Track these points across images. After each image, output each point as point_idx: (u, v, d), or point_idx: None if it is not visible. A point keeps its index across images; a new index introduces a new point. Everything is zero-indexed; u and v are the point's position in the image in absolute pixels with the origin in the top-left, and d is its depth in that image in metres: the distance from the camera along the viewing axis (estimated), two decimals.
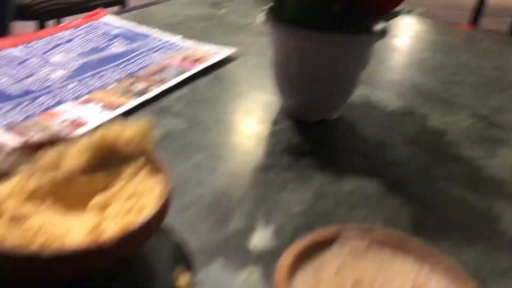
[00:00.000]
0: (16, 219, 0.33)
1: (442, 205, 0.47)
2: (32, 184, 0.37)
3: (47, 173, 0.38)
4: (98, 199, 0.38)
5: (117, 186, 0.39)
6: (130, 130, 0.39)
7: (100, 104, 0.58)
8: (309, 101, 0.58)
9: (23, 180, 0.37)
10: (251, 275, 0.36)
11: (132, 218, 0.34)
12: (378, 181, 0.49)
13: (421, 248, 0.25)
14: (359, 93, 0.69)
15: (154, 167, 0.39)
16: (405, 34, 1.03)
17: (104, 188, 0.39)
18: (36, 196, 0.37)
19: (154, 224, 0.33)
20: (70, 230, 0.34)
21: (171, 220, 0.41)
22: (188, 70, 0.70)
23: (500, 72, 0.84)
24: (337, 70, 0.54)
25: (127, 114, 0.58)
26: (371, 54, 0.56)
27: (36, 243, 0.32)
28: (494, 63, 0.88)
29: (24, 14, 1.87)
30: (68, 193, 0.38)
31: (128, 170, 0.39)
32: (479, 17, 2.51)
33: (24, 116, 0.54)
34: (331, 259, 0.24)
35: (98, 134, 0.39)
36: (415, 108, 0.67)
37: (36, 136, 0.51)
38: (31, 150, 0.39)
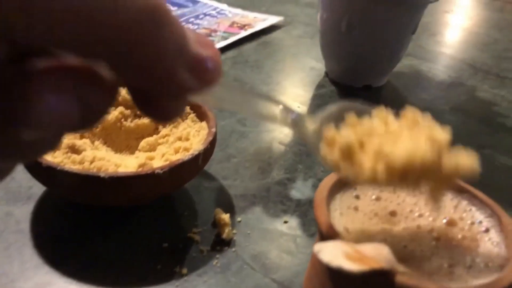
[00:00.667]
0: (73, 150, 0.35)
1: (486, 172, 0.46)
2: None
3: None
4: (146, 141, 0.39)
5: (164, 131, 0.40)
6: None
7: None
8: (355, 65, 0.58)
9: None
10: (290, 221, 0.37)
11: (179, 157, 0.36)
12: None
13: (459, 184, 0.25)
14: (408, 63, 0.68)
15: (200, 114, 0.40)
16: (459, 10, 1.00)
17: (152, 132, 0.41)
18: (89, 134, 0.39)
19: (201, 162, 0.34)
20: (122, 164, 0.35)
21: (215, 168, 0.42)
22: (235, 35, 0.71)
23: None
24: (386, 33, 0.54)
25: None
26: (420, 18, 0.55)
27: (92, 169, 0.34)
28: None
29: None
30: (117, 136, 0.40)
31: None
32: None
33: None
34: (372, 188, 0.24)
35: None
36: (464, 80, 0.65)
37: None
38: None
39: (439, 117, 0.58)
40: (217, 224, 0.35)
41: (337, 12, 0.54)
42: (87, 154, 0.34)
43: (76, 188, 0.31)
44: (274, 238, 0.35)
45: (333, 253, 0.18)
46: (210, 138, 0.35)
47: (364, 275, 0.17)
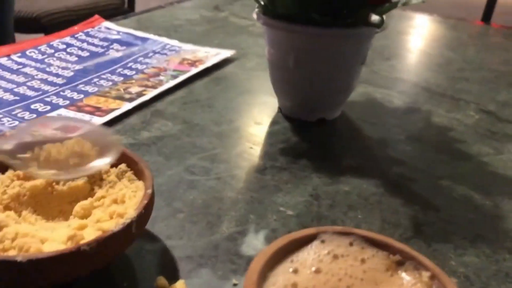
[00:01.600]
0: None
1: (445, 205, 0.44)
2: (11, 192, 0.36)
3: (27, 181, 0.37)
4: (81, 205, 0.36)
5: (100, 192, 0.37)
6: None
7: (93, 110, 0.57)
8: (307, 100, 0.56)
9: (1, 187, 0.36)
10: (240, 282, 0.34)
11: (113, 224, 0.33)
12: (378, 181, 0.47)
13: (404, 250, 0.22)
14: (361, 91, 0.67)
15: (136, 171, 0.37)
16: (412, 30, 1.00)
17: (87, 195, 0.38)
18: (15, 204, 0.36)
19: (134, 229, 0.31)
20: (49, 238, 0.32)
21: (159, 226, 0.39)
22: (185, 72, 0.68)
23: (509, 67, 0.81)
24: (334, 65, 0.53)
25: (119, 118, 0.56)
26: (368, 47, 0.54)
27: (12, 250, 0.30)
28: (503, 58, 0.85)
29: (33, 26, 1.88)
30: (48, 202, 0.37)
31: (111, 176, 0.38)
32: (491, 15, 2.46)
33: (16, 123, 0.54)
34: (310, 257, 0.22)
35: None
36: (420, 105, 0.65)
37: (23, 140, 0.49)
38: (13, 155, 0.38)
39: (396, 148, 0.57)
40: None
41: (283, 48, 0.53)
42: (8, 231, 0.31)
43: None
44: None
45: None
46: (145, 202, 0.32)
47: None
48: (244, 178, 0.47)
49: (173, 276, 0.34)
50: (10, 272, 0.28)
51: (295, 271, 0.22)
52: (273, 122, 0.58)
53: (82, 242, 0.30)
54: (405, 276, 0.22)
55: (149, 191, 0.33)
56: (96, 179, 0.39)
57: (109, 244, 0.29)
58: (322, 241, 0.23)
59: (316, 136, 0.56)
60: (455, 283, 0.21)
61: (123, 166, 0.38)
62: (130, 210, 0.33)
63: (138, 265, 0.35)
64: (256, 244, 0.38)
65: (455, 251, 0.39)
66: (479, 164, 0.51)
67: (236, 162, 0.50)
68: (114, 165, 0.39)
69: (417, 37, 0.97)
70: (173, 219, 0.40)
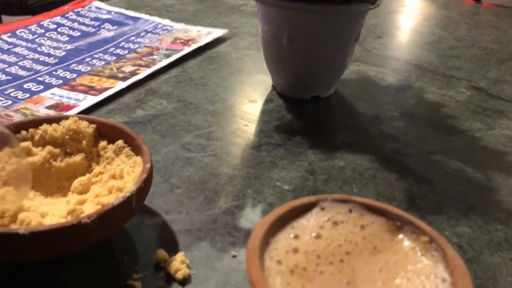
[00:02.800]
0: None
1: (438, 178, 0.45)
2: (10, 168, 0.36)
3: (26, 158, 0.37)
4: (79, 181, 0.37)
5: (97, 168, 0.38)
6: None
7: (87, 89, 0.57)
8: (300, 78, 0.57)
9: (1, 164, 0.36)
10: (239, 254, 0.35)
11: (112, 199, 0.33)
12: (373, 156, 0.48)
13: (402, 215, 0.23)
14: (355, 69, 0.68)
15: (134, 147, 0.37)
16: (404, 9, 1.01)
17: (84, 171, 0.38)
18: (12, 181, 0.35)
19: (134, 203, 0.32)
20: (49, 213, 0.32)
21: (157, 201, 0.40)
22: (178, 51, 0.68)
23: (499, 45, 0.81)
24: (328, 43, 0.53)
25: (113, 97, 0.56)
26: (362, 24, 0.54)
27: (13, 225, 0.31)
28: (493, 36, 0.86)
29: (20, 8, 1.85)
30: (47, 178, 0.37)
31: (108, 152, 0.38)
32: None
33: (9, 102, 0.53)
34: (311, 223, 0.23)
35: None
36: (412, 82, 0.65)
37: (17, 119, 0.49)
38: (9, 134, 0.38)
39: (389, 124, 0.57)
40: (159, 267, 0.33)
41: (277, 26, 0.53)
42: (9, 207, 0.31)
43: None
44: (222, 276, 0.33)
45: None
46: (144, 176, 0.33)
47: None
48: (240, 154, 0.48)
49: (173, 249, 0.34)
50: (12, 245, 0.28)
51: (296, 237, 0.22)
52: (267, 100, 0.58)
53: (82, 215, 0.31)
54: (404, 241, 0.22)
55: (148, 165, 0.34)
56: (93, 156, 0.39)
57: (109, 217, 0.30)
58: (322, 209, 0.24)
59: (311, 113, 0.56)
60: (452, 246, 0.22)
61: (120, 142, 0.38)
62: (129, 185, 0.33)
63: (138, 239, 0.36)
64: (253, 218, 0.39)
65: (449, 222, 0.40)
66: (471, 139, 0.52)
67: (231, 140, 0.50)
68: (111, 141, 0.39)
69: (408, 16, 0.97)
70: (171, 194, 0.41)
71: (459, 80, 0.66)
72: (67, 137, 0.38)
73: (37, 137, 0.38)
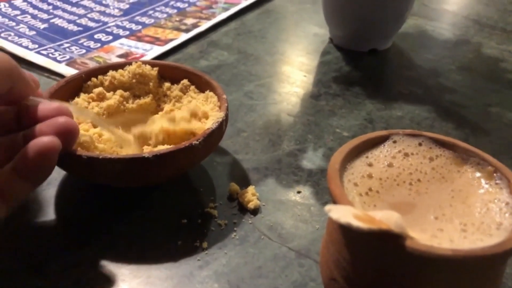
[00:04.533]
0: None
1: (495, 129, 0.46)
2: (91, 112, 0.39)
3: (102, 101, 0.40)
4: (164, 109, 0.40)
5: (167, 107, 0.41)
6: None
7: (151, 40, 0.60)
8: (359, 29, 0.58)
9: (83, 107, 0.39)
10: (303, 191, 0.38)
11: (198, 123, 0.36)
12: (430, 107, 0.49)
13: (469, 148, 0.25)
14: (412, 23, 0.68)
15: (200, 84, 0.40)
16: None
17: (155, 111, 0.41)
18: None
19: (224, 127, 0.35)
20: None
21: (226, 143, 0.43)
22: (236, 5, 0.70)
23: None
24: None
25: (178, 48, 0.59)
26: None
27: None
28: None
29: None
30: (123, 119, 0.40)
31: (174, 92, 0.41)
32: None
33: (83, 51, 0.57)
34: (383, 154, 0.25)
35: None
36: (470, 37, 0.65)
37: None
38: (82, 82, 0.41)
39: (446, 77, 0.58)
40: (232, 198, 0.36)
41: None
42: (111, 139, 0.35)
43: (119, 173, 0.32)
44: (289, 208, 0.36)
45: (343, 213, 0.18)
46: (226, 105, 0.36)
47: (374, 236, 0.18)
48: (299, 103, 0.50)
49: (244, 184, 0.38)
50: (138, 168, 0.32)
51: (370, 165, 0.25)
52: (325, 52, 0.60)
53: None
54: (469, 171, 0.24)
55: (224, 96, 0.37)
56: (160, 96, 0.42)
57: (210, 139, 0.33)
58: (394, 142, 0.26)
59: (368, 65, 0.57)
60: None
61: (185, 81, 0.41)
62: (212, 113, 0.37)
63: (213, 174, 0.39)
64: (315, 160, 0.41)
65: None
66: None
67: (291, 89, 0.52)
68: (175, 82, 0.42)
69: None
70: (238, 137, 0.44)
71: None
72: (134, 80, 0.41)
73: (106, 83, 0.41)
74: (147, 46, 0.59)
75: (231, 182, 0.37)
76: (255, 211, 0.35)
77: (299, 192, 0.38)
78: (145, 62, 0.42)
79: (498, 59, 0.59)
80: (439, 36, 0.65)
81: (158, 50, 0.58)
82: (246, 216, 0.35)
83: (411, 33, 0.65)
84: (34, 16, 0.65)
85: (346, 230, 0.22)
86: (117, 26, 0.64)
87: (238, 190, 0.37)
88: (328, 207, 0.18)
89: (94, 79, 0.41)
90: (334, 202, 0.22)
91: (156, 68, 0.42)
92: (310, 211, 0.36)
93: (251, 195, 0.36)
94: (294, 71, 0.56)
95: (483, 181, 0.24)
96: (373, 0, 0.53)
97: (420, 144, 0.26)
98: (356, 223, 0.17)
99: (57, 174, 0.38)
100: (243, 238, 0.33)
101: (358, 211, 0.19)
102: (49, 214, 0.35)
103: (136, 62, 0.42)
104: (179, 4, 0.71)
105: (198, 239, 0.33)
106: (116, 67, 0.42)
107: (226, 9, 0.69)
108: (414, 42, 0.63)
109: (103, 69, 0.42)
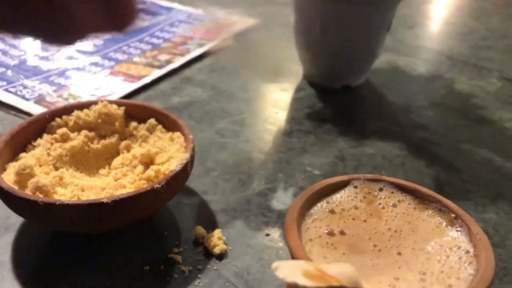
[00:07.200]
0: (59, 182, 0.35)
1: (466, 167, 0.46)
2: (54, 153, 0.38)
3: (65, 142, 0.39)
4: (116, 161, 0.39)
5: (137, 146, 0.40)
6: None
7: (123, 77, 0.60)
8: (332, 66, 0.58)
9: (44, 150, 0.38)
10: (272, 233, 0.37)
11: (156, 167, 0.35)
12: (402, 144, 0.49)
13: (430, 194, 0.25)
14: (385, 59, 0.68)
15: (170, 123, 0.40)
16: (435, 0, 1.00)
17: (119, 151, 0.40)
18: (60, 164, 0.38)
19: (189, 169, 0.35)
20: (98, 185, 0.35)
21: (195, 183, 0.42)
22: (211, 40, 0.70)
23: None
24: (360, 32, 0.54)
25: (150, 85, 0.59)
26: (394, 14, 0.55)
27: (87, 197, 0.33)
28: None
29: None
30: (87, 161, 0.39)
31: (141, 131, 0.40)
32: None
33: (55, 88, 0.56)
34: (345, 198, 0.24)
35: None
36: (443, 73, 0.66)
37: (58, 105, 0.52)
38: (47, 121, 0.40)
39: (419, 114, 0.58)
40: (198, 242, 0.35)
41: (309, 14, 0.54)
42: (73, 182, 0.34)
43: (77, 220, 0.31)
44: (256, 252, 0.35)
45: (290, 270, 0.18)
46: (192, 145, 0.35)
47: None
48: (271, 140, 0.49)
49: (210, 227, 0.37)
50: (96, 214, 0.31)
51: (331, 211, 0.24)
52: (298, 89, 0.60)
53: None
54: (431, 217, 0.24)
55: (191, 136, 0.36)
56: (127, 136, 0.41)
57: (173, 182, 0.33)
58: (355, 187, 0.25)
59: (341, 102, 0.57)
60: (474, 221, 0.23)
61: (152, 120, 0.40)
62: (178, 154, 0.36)
63: (178, 217, 0.38)
64: (285, 200, 0.41)
65: (476, 208, 0.41)
66: (501, 129, 0.53)
67: (263, 126, 0.52)
68: (142, 121, 0.41)
69: (440, 6, 0.97)
70: (207, 176, 0.43)
71: (490, 71, 0.66)
72: (99, 120, 0.40)
73: (71, 123, 0.40)
74: (119, 82, 0.58)
75: (197, 225, 0.36)
76: (221, 256, 0.34)
77: (267, 235, 0.37)
78: (111, 102, 0.42)
79: (470, 95, 0.60)
80: (412, 72, 0.66)
81: (130, 87, 0.57)
82: (212, 262, 0.34)
83: (384, 68, 0.66)
84: (4, 53, 0.65)
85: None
86: (90, 63, 0.63)
87: (204, 234, 0.36)
88: (275, 264, 0.18)
89: (58, 120, 0.40)
90: (291, 253, 0.21)
91: (122, 108, 0.41)
92: (278, 255, 0.35)
93: (217, 239, 0.35)
94: (268, 107, 0.56)
95: (444, 228, 0.23)
96: (344, 37, 0.54)
97: (381, 189, 0.25)
98: (302, 281, 0.16)
99: (16, 219, 0.37)
100: (207, 286, 0.32)
101: (310, 266, 0.18)
102: (5, 262, 0.33)
103: (102, 101, 0.41)
104: (154, 40, 0.71)
105: None
106: (81, 106, 0.41)
107: (201, 45, 0.69)
108: (387, 78, 0.63)
109: (68, 109, 0.41)
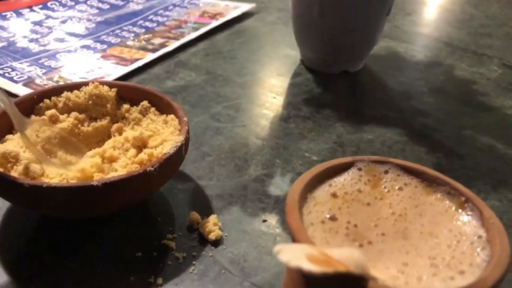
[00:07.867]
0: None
1: (468, 153, 0.45)
2: (43, 135, 0.36)
3: (55, 124, 0.38)
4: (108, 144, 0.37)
5: (129, 129, 0.38)
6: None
7: (115, 60, 0.58)
8: (330, 51, 0.56)
9: (33, 132, 0.36)
10: (269, 219, 0.36)
11: (149, 150, 0.34)
12: (402, 130, 0.48)
13: (438, 176, 0.23)
14: (384, 45, 0.67)
15: (164, 105, 0.38)
16: None
17: (111, 134, 0.39)
18: (49, 146, 0.36)
19: (184, 152, 0.33)
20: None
21: (189, 168, 0.40)
22: (206, 25, 0.68)
23: None
24: (359, 15, 0.52)
25: (143, 68, 0.57)
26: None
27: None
28: None
29: None
30: (76, 142, 0.38)
31: (133, 114, 0.39)
32: None
33: (45, 70, 0.54)
34: (348, 181, 0.23)
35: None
36: (442, 59, 0.64)
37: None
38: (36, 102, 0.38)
39: (419, 100, 0.57)
40: (192, 228, 0.34)
41: (306, 1, 0.53)
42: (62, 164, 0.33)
43: (66, 203, 0.29)
44: (253, 238, 0.34)
45: (294, 254, 0.16)
46: (186, 128, 0.34)
47: (330, 278, 0.16)
48: (268, 126, 0.48)
49: (205, 212, 0.35)
50: (86, 197, 0.29)
51: (334, 194, 0.23)
52: (295, 74, 0.58)
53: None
54: (440, 200, 0.23)
55: (185, 118, 0.35)
56: (119, 118, 0.39)
57: (167, 165, 0.31)
58: (359, 169, 0.24)
59: (339, 87, 0.56)
60: (486, 205, 0.22)
61: (145, 103, 0.39)
62: (172, 136, 0.34)
63: (172, 202, 0.36)
64: (282, 186, 0.39)
65: (478, 195, 0.39)
66: (502, 116, 0.52)
67: (260, 111, 0.50)
68: (134, 104, 0.39)
69: None
70: (202, 161, 0.42)
71: (490, 58, 0.65)
72: (90, 102, 0.39)
73: (60, 105, 0.39)
74: (112, 65, 0.56)
75: (191, 211, 0.35)
76: (216, 243, 0.33)
77: (264, 221, 0.35)
78: (102, 83, 0.40)
79: (470, 82, 0.59)
80: (411, 58, 0.64)
81: (122, 70, 0.55)
82: (207, 248, 0.33)
83: (383, 55, 0.64)
84: None
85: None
86: (82, 46, 0.61)
87: (199, 220, 0.34)
88: (278, 247, 0.16)
89: (46, 101, 0.39)
90: (292, 236, 0.20)
91: (114, 89, 0.40)
92: (275, 242, 0.34)
93: (213, 225, 0.33)
94: (264, 92, 0.54)
95: (453, 212, 0.22)
96: (343, 22, 0.52)
97: (386, 172, 0.24)
98: (307, 266, 0.15)
99: (2, 203, 0.35)
100: (202, 273, 0.31)
101: (314, 250, 0.17)
102: None
103: (93, 82, 0.39)
104: (147, 24, 0.69)
105: (153, 275, 0.30)
106: (71, 87, 0.40)
107: (195, 29, 0.67)
108: (386, 64, 0.62)
109: (57, 90, 0.39)
